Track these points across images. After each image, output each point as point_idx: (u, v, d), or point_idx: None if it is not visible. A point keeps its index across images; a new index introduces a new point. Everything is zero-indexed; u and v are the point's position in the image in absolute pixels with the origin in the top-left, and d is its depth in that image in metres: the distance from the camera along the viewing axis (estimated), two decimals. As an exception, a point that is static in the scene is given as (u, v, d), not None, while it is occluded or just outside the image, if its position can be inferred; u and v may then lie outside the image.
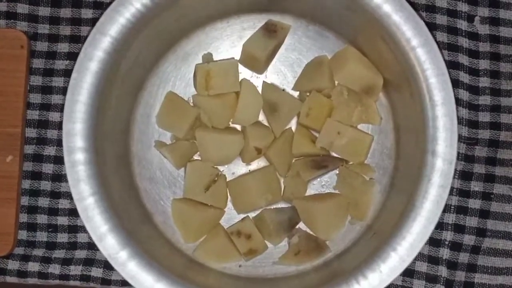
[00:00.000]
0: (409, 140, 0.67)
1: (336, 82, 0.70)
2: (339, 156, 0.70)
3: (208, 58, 0.71)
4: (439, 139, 0.60)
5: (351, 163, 0.70)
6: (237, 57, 0.71)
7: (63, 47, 0.72)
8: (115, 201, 0.63)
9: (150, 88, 0.71)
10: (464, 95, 0.71)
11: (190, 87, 0.71)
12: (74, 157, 0.61)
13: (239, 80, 0.70)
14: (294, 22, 0.71)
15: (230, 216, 0.71)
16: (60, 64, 0.72)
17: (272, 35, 0.70)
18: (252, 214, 0.71)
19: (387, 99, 0.70)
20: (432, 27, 0.69)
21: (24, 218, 0.72)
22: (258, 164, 0.72)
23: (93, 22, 0.72)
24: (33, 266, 0.71)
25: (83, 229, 0.63)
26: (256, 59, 0.70)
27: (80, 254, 0.71)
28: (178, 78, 0.71)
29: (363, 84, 0.69)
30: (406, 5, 0.61)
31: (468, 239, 0.70)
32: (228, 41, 0.72)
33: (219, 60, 0.71)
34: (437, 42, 0.62)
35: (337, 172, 0.71)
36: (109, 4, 0.62)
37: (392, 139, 0.70)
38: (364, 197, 0.70)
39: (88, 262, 0.71)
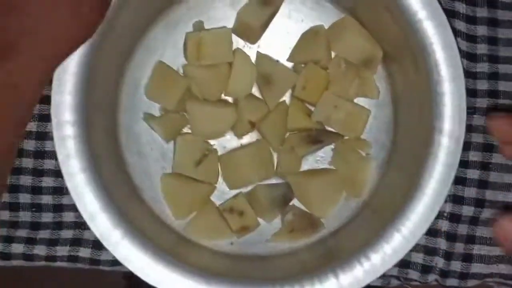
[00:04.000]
0: (410, 115, 0.65)
1: (333, 54, 0.68)
2: (335, 131, 0.68)
3: (199, 26, 0.68)
4: (447, 116, 0.58)
5: (347, 138, 0.68)
6: (230, 25, 0.68)
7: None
8: (105, 178, 0.60)
9: (137, 57, 0.68)
10: (462, 63, 0.69)
11: (180, 57, 0.68)
12: (64, 131, 0.58)
13: (232, 50, 0.67)
14: (290, -11, 0.68)
15: (221, 192, 0.69)
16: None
17: (267, 2, 0.67)
18: (244, 190, 0.69)
19: (386, 72, 0.68)
20: None
21: (5, 197, 0.68)
22: (250, 138, 0.69)
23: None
24: (17, 248, 0.68)
25: (68, 208, 0.60)
26: (251, 28, 0.67)
27: (67, 234, 0.68)
28: (167, 47, 0.68)
29: (362, 56, 0.66)
30: (413, -25, 0.59)
31: (467, 210, 0.69)
32: (220, 9, 0.68)
33: (211, 29, 0.68)
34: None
35: (333, 147, 0.69)
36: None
37: (390, 114, 0.68)
38: (360, 173, 0.68)
39: (75, 242, 0.68)
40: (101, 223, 0.58)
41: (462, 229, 0.69)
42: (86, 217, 0.58)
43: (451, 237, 0.69)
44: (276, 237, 0.68)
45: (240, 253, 0.68)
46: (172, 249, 0.63)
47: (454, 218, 0.69)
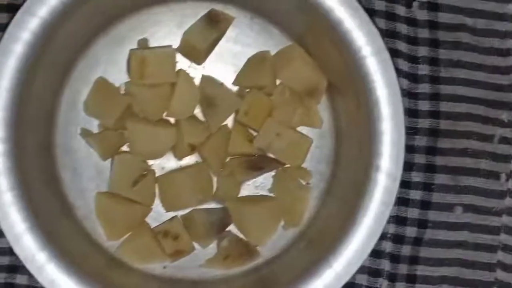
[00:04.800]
0: (351, 148, 0.65)
1: (278, 81, 0.67)
2: (276, 158, 0.67)
3: (144, 44, 0.67)
4: (385, 154, 0.58)
5: (287, 166, 0.68)
6: (175, 45, 0.67)
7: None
8: (35, 196, 0.58)
9: (78, 72, 0.66)
10: (403, 83, 0.69)
11: (122, 74, 0.66)
12: (-9, 148, 0.56)
13: (176, 70, 0.66)
14: (237, 13, 0.67)
15: (157, 214, 0.67)
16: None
17: (214, 25, 0.66)
18: (180, 213, 0.67)
19: (330, 103, 0.67)
20: (370, 13, 0.64)
21: None
22: (190, 159, 0.68)
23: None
24: None
25: (4, 233, 0.58)
26: (196, 49, 0.66)
27: (3, 260, 0.66)
28: (109, 63, 0.66)
29: (307, 86, 0.66)
30: (360, 11, 0.59)
31: (410, 231, 0.69)
32: (166, 27, 0.67)
33: (156, 47, 0.66)
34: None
35: (273, 174, 0.68)
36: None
37: (332, 145, 0.68)
38: (299, 202, 0.67)
39: (12, 269, 0.66)
40: (26, 245, 0.56)
41: (406, 250, 0.69)
42: (10, 238, 0.56)
43: (395, 258, 0.69)
44: (210, 263, 0.67)
45: (172, 277, 0.67)
46: (101, 272, 0.62)
47: (398, 239, 0.69)
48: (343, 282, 0.58)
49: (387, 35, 0.68)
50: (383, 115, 0.58)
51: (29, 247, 0.57)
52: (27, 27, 0.56)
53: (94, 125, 0.66)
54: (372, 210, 0.58)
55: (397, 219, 0.69)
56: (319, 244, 0.63)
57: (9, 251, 0.65)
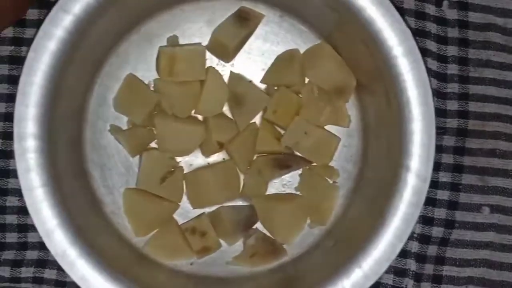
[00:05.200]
0: (379, 147, 0.64)
1: (307, 79, 0.67)
2: (303, 156, 0.67)
3: (173, 41, 0.67)
4: (415, 155, 0.58)
5: (315, 164, 0.68)
6: (204, 42, 0.67)
7: (7, 31, 0.66)
8: (66, 192, 0.59)
9: (108, 68, 0.66)
10: (432, 83, 0.68)
11: (152, 71, 0.67)
12: (25, 144, 0.56)
13: (205, 68, 0.66)
14: (267, 11, 0.67)
15: (185, 211, 0.67)
16: (4, 51, 0.67)
17: (244, 23, 0.66)
18: (207, 210, 0.67)
19: (358, 102, 0.67)
20: (399, 11, 0.62)
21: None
22: (217, 157, 0.68)
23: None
24: None
25: (33, 228, 0.58)
26: (225, 47, 0.66)
27: (32, 254, 0.67)
28: (139, 60, 0.67)
29: (335, 84, 0.66)
30: (392, 10, 0.58)
31: (437, 231, 0.69)
32: (196, 25, 0.67)
33: (186, 45, 0.67)
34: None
35: (300, 172, 0.68)
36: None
37: (360, 144, 0.68)
38: (326, 201, 0.67)
39: (41, 263, 0.66)
40: (57, 240, 0.57)
41: (432, 250, 0.69)
42: (42, 233, 0.57)
43: (421, 258, 0.69)
44: (237, 260, 0.67)
45: (198, 274, 0.67)
46: (129, 268, 0.62)
47: (424, 239, 0.69)
48: (371, 282, 0.58)
49: (417, 34, 0.68)
50: (414, 115, 0.58)
51: (60, 243, 0.57)
52: (61, 24, 0.56)
53: (123, 122, 0.67)
54: (401, 211, 0.58)
55: (424, 219, 0.69)
56: (347, 243, 0.63)
57: (39, 246, 0.66)
